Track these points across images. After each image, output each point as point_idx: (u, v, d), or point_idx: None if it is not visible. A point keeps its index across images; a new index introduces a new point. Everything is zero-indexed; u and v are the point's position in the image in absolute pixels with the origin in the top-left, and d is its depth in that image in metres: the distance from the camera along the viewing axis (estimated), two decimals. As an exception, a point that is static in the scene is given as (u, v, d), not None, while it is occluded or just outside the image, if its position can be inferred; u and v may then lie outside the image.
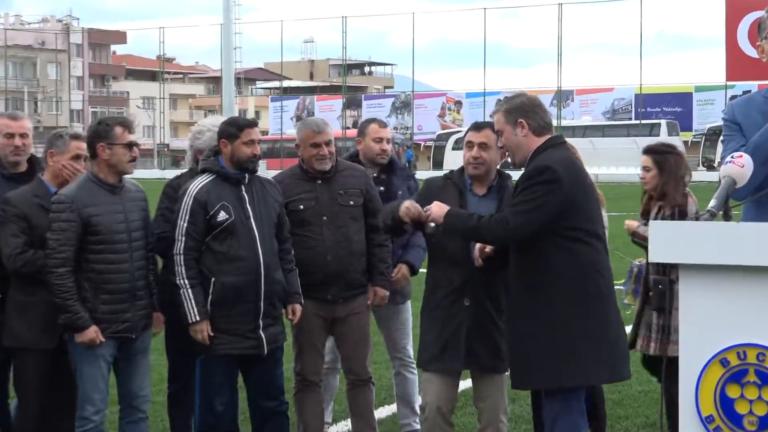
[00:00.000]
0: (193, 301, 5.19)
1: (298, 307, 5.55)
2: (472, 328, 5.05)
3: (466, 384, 5.76)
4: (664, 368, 6.18)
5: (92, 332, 5.09)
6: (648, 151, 6.19)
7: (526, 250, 4.63)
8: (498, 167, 5.24)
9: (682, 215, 5.94)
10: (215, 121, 5.85)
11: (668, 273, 5.89)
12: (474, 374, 5.24)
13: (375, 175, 6.20)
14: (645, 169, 6.11)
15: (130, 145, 5.20)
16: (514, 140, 4.69)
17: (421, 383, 5.45)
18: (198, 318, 5.20)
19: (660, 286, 5.90)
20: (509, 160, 5.01)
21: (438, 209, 4.78)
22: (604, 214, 5.84)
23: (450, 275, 5.09)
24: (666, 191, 6.01)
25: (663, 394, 5.98)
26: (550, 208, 4.49)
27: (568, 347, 4.52)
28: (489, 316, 5.06)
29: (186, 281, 5.20)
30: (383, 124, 6.36)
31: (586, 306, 4.54)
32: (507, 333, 4.84)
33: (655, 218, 5.97)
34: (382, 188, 6.19)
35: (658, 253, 3.38)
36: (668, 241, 3.36)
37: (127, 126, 5.25)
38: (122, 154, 5.18)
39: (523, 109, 4.70)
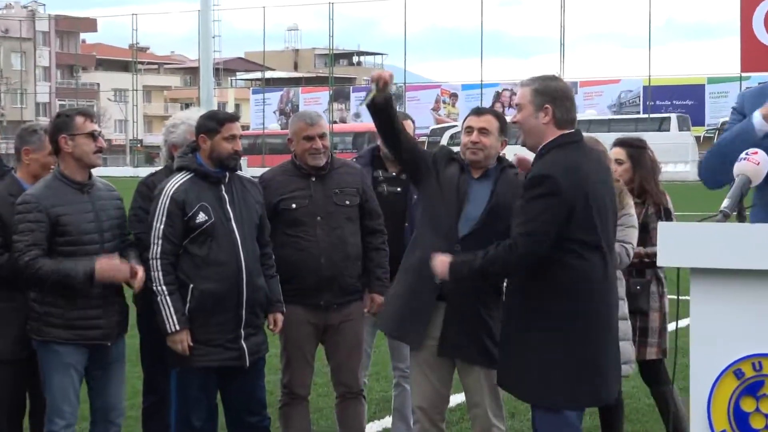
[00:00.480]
0: (171, 309, 5.18)
1: (280, 317, 5.55)
2: (449, 314, 5.09)
3: (462, 398, 5.77)
4: (645, 372, 6.25)
5: (104, 262, 5.04)
6: (622, 143, 6.24)
7: None
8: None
9: (668, 213, 6.05)
10: (191, 113, 5.85)
11: (643, 274, 5.98)
12: (461, 373, 5.26)
13: (395, 174, 6.21)
14: (617, 162, 6.13)
15: (94, 135, 5.19)
16: (532, 123, 4.65)
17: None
18: (177, 327, 5.18)
19: (638, 288, 5.97)
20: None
21: (441, 266, 4.77)
22: (631, 212, 5.86)
23: (430, 240, 5.12)
24: (647, 188, 6.10)
25: (671, 407, 6.03)
26: (555, 222, 4.48)
27: (548, 366, 4.56)
28: (468, 305, 5.08)
29: (164, 288, 5.18)
30: (404, 117, 6.31)
31: (569, 324, 4.54)
32: (501, 333, 4.87)
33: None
34: (398, 189, 6.19)
35: (667, 257, 3.40)
36: (678, 243, 3.37)
37: (89, 115, 5.24)
38: (86, 145, 5.16)
39: (554, 95, 4.64)
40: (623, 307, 5.70)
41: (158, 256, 5.19)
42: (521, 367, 4.64)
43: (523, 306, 4.64)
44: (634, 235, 5.76)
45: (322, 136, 5.74)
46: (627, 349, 5.71)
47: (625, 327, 5.69)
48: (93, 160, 5.22)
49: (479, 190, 5.14)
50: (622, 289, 5.73)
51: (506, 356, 4.74)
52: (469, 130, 5.18)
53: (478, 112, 5.29)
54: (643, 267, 5.98)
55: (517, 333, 4.65)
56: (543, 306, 4.57)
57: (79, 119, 5.18)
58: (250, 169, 47.73)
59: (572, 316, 4.54)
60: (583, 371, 4.56)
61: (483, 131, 5.16)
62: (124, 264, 5.12)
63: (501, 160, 5.26)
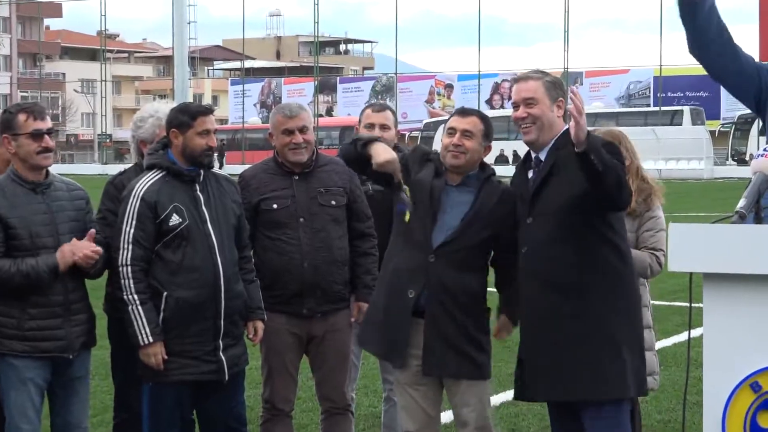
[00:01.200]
0: (144, 320, 5.16)
1: (261, 325, 5.54)
2: (428, 330, 5.08)
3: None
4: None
5: (65, 248, 5.06)
6: None
7: (566, 242, 4.77)
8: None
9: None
10: (159, 106, 5.83)
11: None
12: (449, 391, 5.25)
13: None
14: None
15: (35, 135, 5.15)
16: (551, 116, 4.86)
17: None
18: (151, 340, 5.16)
19: None
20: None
21: (584, 128, 4.49)
22: (659, 214, 5.90)
23: (402, 250, 5.17)
24: None
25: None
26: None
27: (609, 356, 4.73)
28: (447, 317, 5.07)
29: (135, 297, 5.17)
30: (380, 108, 6.32)
31: (633, 308, 4.84)
32: (528, 337, 4.94)
33: None
34: (382, 187, 6.19)
35: (678, 261, 3.40)
36: (690, 246, 3.37)
37: (33, 112, 5.20)
38: (28, 145, 5.13)
39: (563, 89, 4.93)
40: (647, 315, 5.70)
41: (128, 262, 5.17)
42: (572, 366, 4.76)
43: (570, 303, 4.77)
44: (664, 239, 5.73)
45: (302, 130, 5.72)
46: (652, 360, 5.71)
47: (650, 337, 5.70)
48: (38, 161, 5.18)
49: (458, 198, 5.12)
50: (646, 296, 5.75)
51: (549, 362, 4.82)
52: (452, 131, 5.15)
53: (462, 112, 5.26)
54: None
55: (571, 329, 4.77)
56: (608, 293, 4.76)
57: (21, 117, 5.16)
58: (230, 166, 47.78)
59: (635, 299, 4.87)
60: (634, 359, 4.81)
61: (466, 134, 5.12)
62: (83, 242, 5.11)
63: (484, 167, 5.24)
